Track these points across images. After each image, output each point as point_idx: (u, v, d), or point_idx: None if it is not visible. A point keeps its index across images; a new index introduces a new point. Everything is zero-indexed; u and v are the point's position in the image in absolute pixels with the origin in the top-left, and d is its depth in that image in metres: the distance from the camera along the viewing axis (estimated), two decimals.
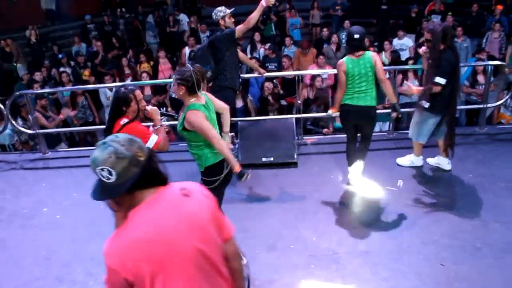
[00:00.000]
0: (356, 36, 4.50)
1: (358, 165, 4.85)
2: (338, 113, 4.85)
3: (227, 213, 4.24)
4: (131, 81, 8.91)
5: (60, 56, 10.70)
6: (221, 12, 5.01)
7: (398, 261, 3.77)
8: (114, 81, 8.42)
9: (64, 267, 3.96)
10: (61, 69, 9.90)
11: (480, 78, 7.18)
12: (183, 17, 12.93)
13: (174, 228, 1.76)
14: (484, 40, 9.86)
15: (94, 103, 8.50)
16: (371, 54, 4.57)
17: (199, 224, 1.82)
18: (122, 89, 3.36)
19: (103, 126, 8.09)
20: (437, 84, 4.51)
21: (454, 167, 4.97)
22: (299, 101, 6.42)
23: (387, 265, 3.73)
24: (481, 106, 6.19)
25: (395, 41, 9.67)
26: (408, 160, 5.28)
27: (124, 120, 3.28)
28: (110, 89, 8.15)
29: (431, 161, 5.26)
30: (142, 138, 3.02)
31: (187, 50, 9.89)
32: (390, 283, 3.53)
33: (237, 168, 3.42)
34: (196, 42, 10.13)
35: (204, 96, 3.52)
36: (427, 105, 4.68)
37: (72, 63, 10.46)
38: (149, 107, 3.47)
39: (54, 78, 9.84)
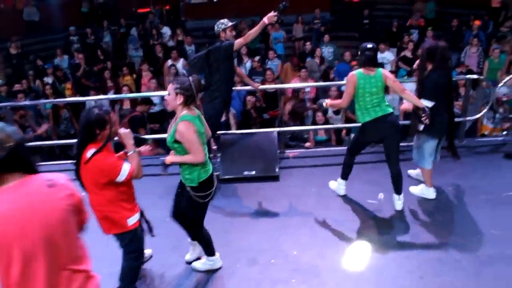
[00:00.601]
0: (370, 45, 4.42)
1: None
2: (330, 107, 4.87)
3: (208, 226, 4.25)
4: (113, 93, 8.88)
5: (46, 66, 10.58)
6: (223, 24, 5.05)
7: (380, 275, 3.77)
8: (98, 94, 8.36)
9: None
10: (45, 79, 9.82)
11: (462, 91, 7.32)
12: (166, 30, 12.93)
13: (21, 215, 1.89)
14: (462, 55, 10.06)
15: (76, 116, 8.42)
16: (382, 71, 4.42)
17: (52, 216, 1.96)
18: (96, 110, 3.07)
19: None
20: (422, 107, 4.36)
21: (435, 180, 5.00)
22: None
23: (369, 279, 3.73)
24: (461, 119, 6.29)
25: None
26: (419, 190, 4.95)
27: (90, 151, 3.02)
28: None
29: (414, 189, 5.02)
30: (113, 171, 3.04)
31: (169, 63, 9.88)
32: None
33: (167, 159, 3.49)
34: (180, 55, 10.14)
35: (196, 109, 3.51)
36: (421, 127, 4.50)
37: (52, 77, 10.36)
38: (121, 131, 3.26)
39: (35, 91, 9.73)
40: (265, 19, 4.80)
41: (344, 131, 7.69)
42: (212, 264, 3.86)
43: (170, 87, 3.37)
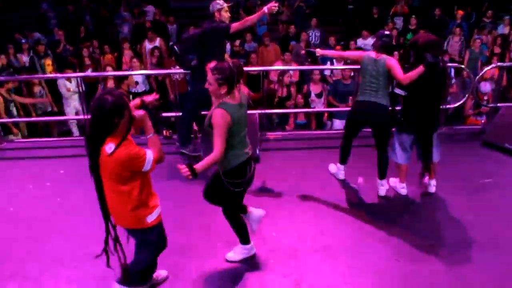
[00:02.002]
0: (387, 32, 4.61)
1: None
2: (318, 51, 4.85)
3: (186, 207, 4.23)
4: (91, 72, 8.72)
5: (23, 41, 10.28)
6: (218, 5, 4.99)
7: (356, 258, 3.82)
8: (75, 72, 8.20)
9: (17, 263, 3.82)
10: (20, 55, 9.58)
11: None
12: (150, 9, 12.68)
13: None
14: (445, 43, 10.14)
15: (52, 93, 8.25)
16: (387, 60, 4.43)
17: None
18: (109, 96, 2.67)
19: (64, 117, 8.07)
20: (397, 94, 4.43)
21: (411, 167, 5.07)
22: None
23: (346, 261, 3.78)
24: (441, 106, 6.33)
25: (360, 41, 9.81)
26: (393, 182, 4.93)
27: (110, 146, 2.71)
28: (69, 80, 7.95)
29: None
30: (138, 162, 2.76)
31: (147, 43, 9.68)
32: (347, 279, 3.57)
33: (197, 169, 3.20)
34: (161, 35, 9.96)
35: (243, 96, 3.38)
36: (400, 91, 4.46)
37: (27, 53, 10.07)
38: (136, 114, 2.85)
39: (12, 66, 9.47)
40: (265, 8, 4.82)
41: (325, 115, 7.72)
42: (247, 252, 3.78)
43: (211, 77, 3.18)
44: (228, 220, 3.63)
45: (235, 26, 4.90)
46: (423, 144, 4.49)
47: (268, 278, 3.60)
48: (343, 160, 5.01)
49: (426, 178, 4.83)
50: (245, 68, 6.62)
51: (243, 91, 3.41)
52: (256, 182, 5.01)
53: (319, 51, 4.87)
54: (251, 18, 4.92)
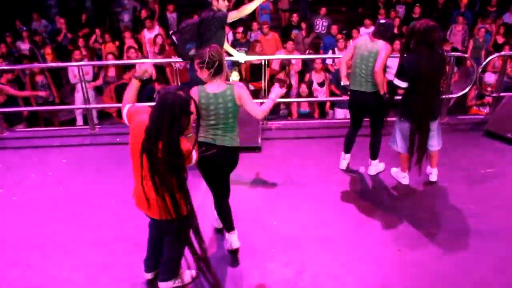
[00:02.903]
0: (382, 21, 4.60)
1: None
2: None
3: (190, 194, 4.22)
4: (87, 61, 8.67)
5: (23, 29, 10.23)
6: None
7: (357, 247, 3.83)
8: (81, 59, 8.16)
9: (20, 251, 3.85)
10: (20, 44, 9.54)
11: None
12: None
13: None
14: (448, 33, 10.05)
15: (55, 83, 8.22)
16: (380, 44, 4.44)
17: None
18: (180, 93, 2.68)
19: (66, 106, 8.07)
20: (395, 85, 4.35)
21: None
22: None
23: (347, 250, 3.79)
24: (444, 96, 6.31)
25: (362, 30, 9.73)
26: (395, 172, 4.92)
27: (188, 148, 2.78)
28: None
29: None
30: (189, 157, 2.79)
31: (146, 33, 9.64)
32: (348, 268, 3.59)
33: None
34: (160, 24, 9.91)
35: (229, 88, 3.34)
36: (343, 83, 4.79)
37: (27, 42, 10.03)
38: None
39: (13, 54, 9.45)
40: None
41: (328, 105, 7.70)
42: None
43: (195, 63, 3.33)
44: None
45: (232, 14, 4.83)
46: (419, 133, 4.40)
47: (270, 267, 3.61)
48: (346, 149, 5.03)
49: (428, 167, 4.82)
50: (248, 57, 6.68)
51: (237, 85, 3.40)
52: (257, 171, 5.05)
53: (343, 83, 4.88)
54: (249, 6, 4.83)
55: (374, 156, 4.93)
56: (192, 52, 4.93)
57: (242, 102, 3.35)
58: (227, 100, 3.33)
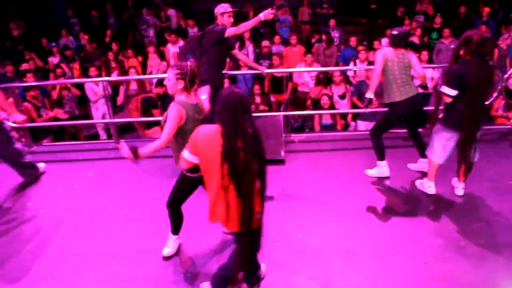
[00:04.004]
0: (394, 32, 4.72)
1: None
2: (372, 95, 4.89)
3: (207, 212, 4.23)
4: (117, 75, 8.85)
5: (52, 44, 10.50)
6: (222, 8, 5.01)
7: (383, 259, 3.79)
8: (100, 74, 8.34)
9: (48, 264, 3.91)
10: (51, 58, 9.78)
11: None
12: (171, 12, 12.83)
13: None
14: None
15: (80, 97, 8.42)
16: (406, 53, 4.72)
17: None
18: (239, 90, 2.84)
19: (90, 121, 8.23)
20: (443, 93, 4.27)
21: (440, 167, 5.01)
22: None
23: (372, 263, 3.75)
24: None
25: (384, 41, 9.70)
26: (420, 184, 4.86)
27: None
28: (97, 83, 8.08)
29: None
30: None
31: (170, 46, 9.81)
32: (374, 281, 3.55)
33: (139, 151, 3.34)
34: (183, 38, 10.07)
35: (195, 96, 3.49)
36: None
37: (58, 56, 10.29)
38: None
39: (42, 70, 9.70)
40: (261, 15, 4.80)
41: (349, 116, 7.66)
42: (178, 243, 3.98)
43: (171, 72, 3.37)
44: (171, 211, 3.76)
45: (230, 30, 4.88)
46: (466, 144, 4.33)
47: (295, 280, 3.60)
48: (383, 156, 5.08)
49: (454, 180, 4.74)
50: (268, 70, 6.72)
51: (200, 98, 3.55)
52: (281, 183, 5.04)
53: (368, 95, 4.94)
54: (246, 24, 4.89)
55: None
56: None
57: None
58: (200, 115, 3.49)
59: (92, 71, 8.22)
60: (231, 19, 5.05)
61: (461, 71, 4.12)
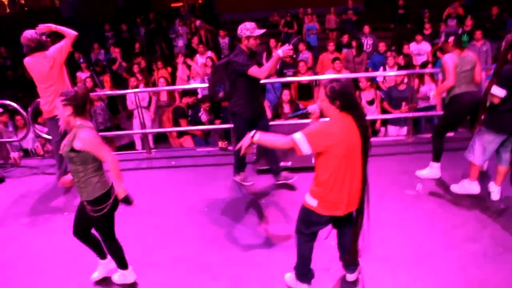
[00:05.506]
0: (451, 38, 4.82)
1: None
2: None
3: (243, 217, 4.28)
4: (143, 87, 9.02)
5: (81, 60, 10.82)
6: (248, 31, 4.57)
7: (419, 266, 3.73)
8: (137, 86, 8.53)
9: (80, 272, 3.96)
10: (80, 74, 10.06)
11: None
12: (198, 23, 13.03)
13: None
14: (503, 43, 9.71)
15: (111, 109, 8.63)
16: (470, 54, 4.81)
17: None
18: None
19: (125, 132, 8.41)
20: (493, 95, 4.19)
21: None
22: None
23: (408, 270, 3.70)
24: None
25: (413, 46, 9.60)
26: (461, 185, 4.80)
27: None
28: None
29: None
30: None
31: (198, 57, 9.95)
32: None
33: (121, 194, 3.35)
34: (212, 49, 10.21)
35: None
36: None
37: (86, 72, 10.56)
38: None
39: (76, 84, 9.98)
40: (280, 52, 4.50)
41: (378, 122, 7.59)
42: (124, 277, 3.80)
43: (57, 100, 3.23)
44: (110, 249, 3.66)
45: (253, 71, 4.55)
46: None
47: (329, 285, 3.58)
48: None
49: (491, 184, 4.64)
50: (295, 79, 6.71)
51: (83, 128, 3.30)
52: None
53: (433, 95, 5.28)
54: (269, 66, 4.56)
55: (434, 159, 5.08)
56: (220, 94, 4.82)
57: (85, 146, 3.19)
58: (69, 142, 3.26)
59: (132, 81, 8.45)
60: (257, 41, 4.69)
61: (510, 72, 4.08)
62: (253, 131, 3.15)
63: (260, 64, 4.74)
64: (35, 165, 6.43)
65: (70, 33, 5.25)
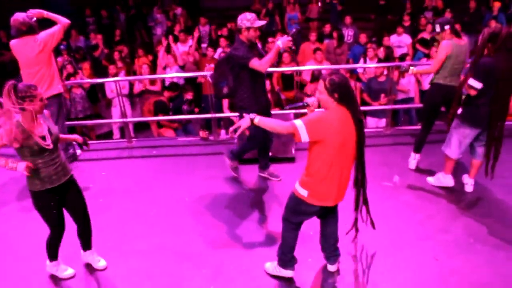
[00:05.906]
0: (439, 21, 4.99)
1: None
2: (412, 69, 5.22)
3: (223, 206, 4.31)
4: (124, 75, 8.92)
5: (62, 47, 10.61)
6: (248, 22, 4.50)
7: (394, 256, 3.85)
8: (116, 74, 8.44)
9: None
10: (59, 59, 9.88)
11: None
12: (179, 11, 12.88)
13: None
14: (480, 37, 9.86)
15: (90, 97, 8.51)
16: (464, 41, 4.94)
17: None
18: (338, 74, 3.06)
19: (105, 120, 8.34)
20: (469, 86, 4.24)
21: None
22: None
23: (383, 260, 3.82)
24: None
25: (394, 38, 9.69)
26: (436, 178, 4.92)
27: None
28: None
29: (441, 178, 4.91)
30: None
31: (179, 45, 9.81)
32: (385, 277, 3.61)
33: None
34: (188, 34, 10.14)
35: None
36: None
37: (70, 55, 10.38)
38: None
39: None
40: (280, 44, 4.45)
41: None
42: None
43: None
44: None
45: (254, 64, 4.48)
46: (491, 140, 4.38)
47: (309, 275, 3.67)
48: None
49: (465, 176, 4.78)
50: (277, 69, 6.72)
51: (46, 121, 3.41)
52: (291, 181, 5.07)
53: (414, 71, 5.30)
54: (270, 58, 4.48)
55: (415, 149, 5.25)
56: (224, 90, 4.76)
57: None
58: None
59: (112, 68, 8.40)
60: (257, 33, 4.64)
61: (490, 65, 4.14)
62: (253, 114, 3.18)
63: (261, 56, 4.65)
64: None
65: (63, 20, 5.25)
